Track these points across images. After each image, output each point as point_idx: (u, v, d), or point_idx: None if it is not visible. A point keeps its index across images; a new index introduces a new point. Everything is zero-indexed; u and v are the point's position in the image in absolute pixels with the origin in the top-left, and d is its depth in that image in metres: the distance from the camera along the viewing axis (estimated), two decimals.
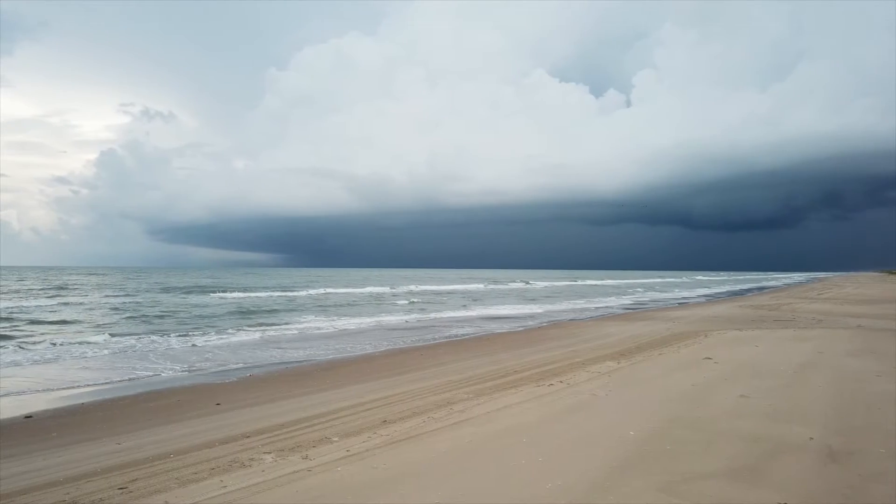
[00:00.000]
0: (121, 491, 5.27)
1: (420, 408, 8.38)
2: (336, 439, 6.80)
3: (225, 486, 5.24)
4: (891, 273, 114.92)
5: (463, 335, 20.46)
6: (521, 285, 76.49)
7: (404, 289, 60.82)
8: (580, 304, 39.55)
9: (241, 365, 14.12)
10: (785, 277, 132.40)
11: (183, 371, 13.38)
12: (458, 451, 6.20)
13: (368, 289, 59.88)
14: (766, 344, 14.57)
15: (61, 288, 50.79)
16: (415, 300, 41.85)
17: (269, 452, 6.34)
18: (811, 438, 6.32)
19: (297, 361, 14.60)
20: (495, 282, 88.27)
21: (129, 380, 12.36)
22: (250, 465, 5.87)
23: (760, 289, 65.54)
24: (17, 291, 43.45)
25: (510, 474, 5.39)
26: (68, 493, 5.27)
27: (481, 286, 71.41)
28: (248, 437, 7.15)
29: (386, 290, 58.25)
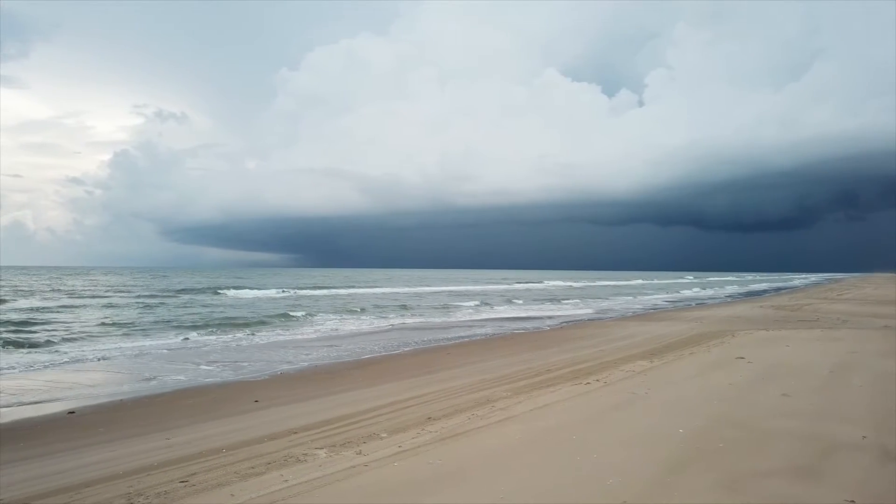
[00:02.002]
0: (183, 484, 5.33)
1: (461, 405, 8.40)
2: (385, 435, 6.84)
3: (286, 481, 5.28)
4: None
5: (484, 335, 20.47)
6: (532, 286, 76.32)
7: (421, 290, 60.93)
8: (601, 304, 39.45)
9: (269, 362, 14.21)
10: (800, 278, 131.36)
11: (214, 369, 13.48)
12: (509, 448, 6.21)
13: (386, 289, 60.01)
14: (796, 344, 14.48)
15: (86, 289, 51.23)
16: (431, 301, 41.90)
17: (321, 448, 6.38)
18: (864, 437, 6.28)
19: (324, 360, 14.67)
20: (508, 281, 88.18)
21: (156, 378, 12.45)
22: (305, 460, 5.91)
23: (777, 289, 65.07)
24: (43, 292, 43.84)
25: (567, 471, 5.40)
26: (132, 486, 5.33)
27: (495, 286, 71.37)
28: (295, 433, 7.20)
29: (403, 290, 58.36)
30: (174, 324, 23.16)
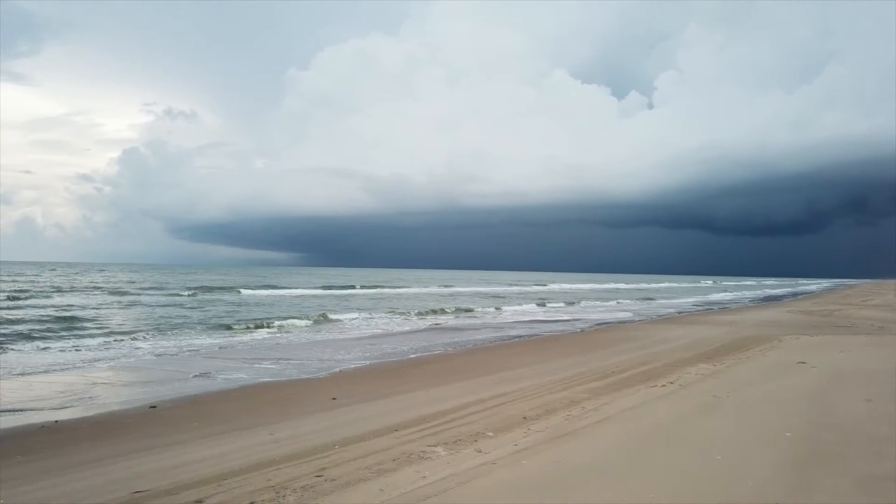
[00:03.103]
0: (319, 478, 5.44)
1: (549, 405, 8.49)
2: (491, 434, 6.94)
3: (424, 477, 5.38)
4: None
5: (526, 336, 20.55)
6: (552, 287, 76.33)
7: (443, 290, 61.12)
8: (625, 306, 39.47)
9: (322, 360, 14.35)
10: (812, 284, 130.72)
11: (273, 367, 13.62)
12: (623, 447, 6.30)
13: (412, 289, 60.20)
14: (849, 350, 14.49)
15: (110, 285, 51.53)
16: (458, 301, 42.03)
17: (435, 445, 6.48)
18: None
19: (377, 358, 14.79)
20: (523, 283, 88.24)
21: (217, 375, 12.60)
22: (429, 458, 6.01)
23: (794, 294, 64.87)
24: (75, 289, 44.15)
25: (702, 472, 5.48)
26: (269, 480, 5.45)
27: (515, 288, 71.48)
28: (396, 430, 7.30)
29: (426, 290, 58.53)
30: (212, 322, 23.33)
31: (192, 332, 20.11)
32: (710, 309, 37.84)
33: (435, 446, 6.45)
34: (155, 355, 15.07)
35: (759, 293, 68.48)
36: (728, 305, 42.59)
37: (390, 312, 29.68)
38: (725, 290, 76.25)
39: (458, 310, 33.51)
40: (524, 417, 7.76)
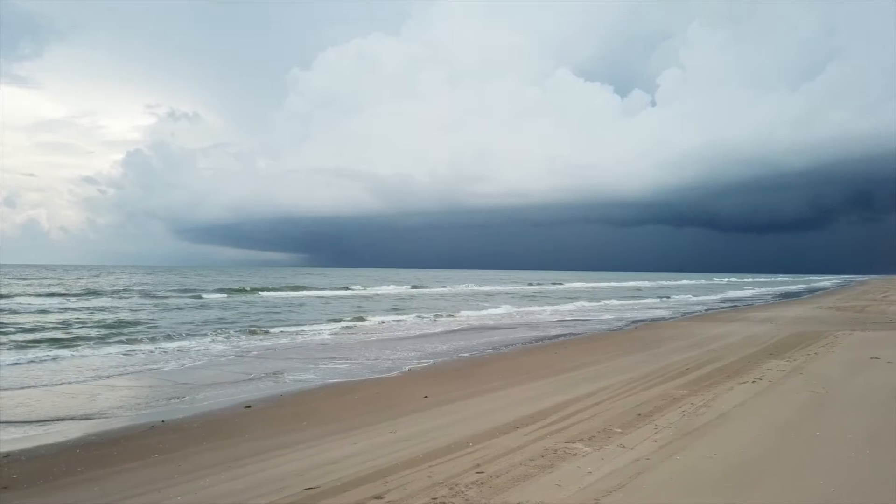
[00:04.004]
0: (482, 474, 5.48)
1: (651, 402, 8.53)
2: (619, 430, 6.98)
3: (590, 473, 5.43)
4: None
5: (564, 335, 20.59)
6: (568, 286, 76.33)
7: (458, 289, 61.19)
8: (654, 304, 39.48)
9: (381, 360, 14.40)
10: (822, 280, 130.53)
11: (338, 367, 13.67)
12: (765, 444, 6.34)
13: (433, 290, 60.26)
14: None
15: (138, 287, 51.60)
16: (482, 300, 42.10)
17: (572, 442, 6.53)
18: None
19: (437, 357, 14.84)
20: (539, 282, 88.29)
21: (284, 374, 12.65)
22: (577, 454, 6.06)
23: (810, 291, 64.76)
24: (115, 290, 44.21)
25: (860, 468, 5.52)
26: (430, 476, 5.50)
27: (531, 287, 71.52)
28: (517, 427, 7.34)
29: (444, 290, 58.61)
30: (243, 324, 23.37)
31: (232, 334, 20.11)
32: (735, 306, 37.81)
33: (573, 442, 6.50)
34: (213, 356, 15.13)
35: (776, 290, 68.38)
36: (752, 302, 42.56)
37: (422, 312, 29.72)
38: (742, 288, 76.12)
39: (481, 307, 33.57)
40: (639, 414, 7.80)
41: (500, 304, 37.37)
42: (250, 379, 12.16)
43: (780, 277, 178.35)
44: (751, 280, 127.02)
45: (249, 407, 9.57)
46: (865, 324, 21.35)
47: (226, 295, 42.07)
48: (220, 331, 20.35)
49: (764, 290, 69.09)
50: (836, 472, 5.36)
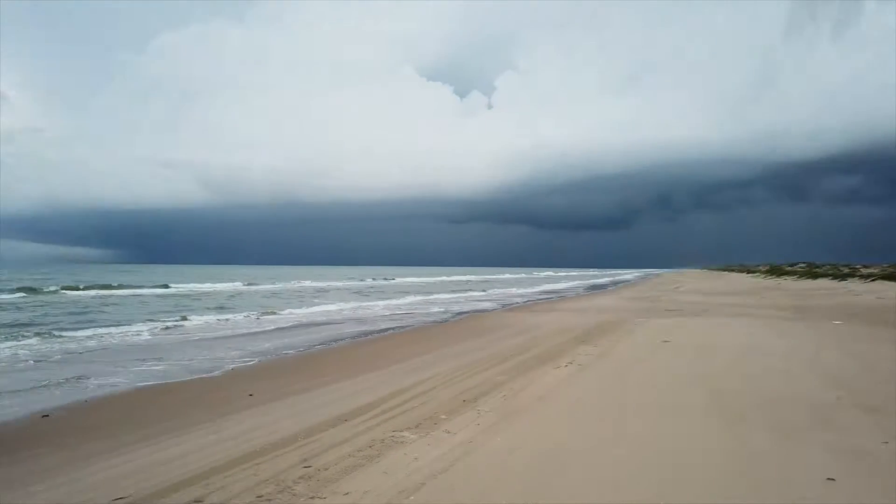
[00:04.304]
0: (309, 469, 5.42)
1: (475, 388, 8.95)
2: (444, 416, 7.24)
3: (416, 458, 5.58)
4: (710, 270, 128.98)
5: (394, 328, 20.91)
6: (395, 282, 77.27)
7: (291, 285, 59.49)
8: (481, 297, 41.15)
9: (199, 360, 13.67)
10: (626, 273, 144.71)
11: (146, 368, 12.76)
12: (579, 421, 6.93)
13: (266, 286, 57.83)
14: (693, 329, 16.61)
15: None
16: (311, 298, 41.31)
17: (400, 430, 6.66)
18: (838, 398, 7.77)
19: (260, 356, 14.37)
20: (363, 279, 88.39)
21: (89, 378, 11.62)
22: (405, 442, 6.19)
23: (615, 283, 71.49)
24: None
25: (667, 438, 6.23)
26: (256, 474, 5.33)
27: (360, 283, 71.44)
28: (346, 420, 7.34)
29: (270, 287, 56.65)
30: (44, 326, 21.00)
31: (36, 338, 17.96)
32: (551, 298, 40.69)
33: (400, 431, 6.64)
34: (28, 362, 13.38)
35: (587, 283, 74.59)
36: (566, 294, 46.05)
37: (250, 310, 28.58)
38: (558, 281, 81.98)
39: (312, 304, 33.04)
40: (463, 400, 8.15)
41: (333, 301, 36.96)
42: (50, 385, 10.92)
43: (592, 271, 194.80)
44: (566, 274, 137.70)
45: (47, 416, 8.63)
46: (660, 312, 24.00)
47: (23, 294, 37.35)
48: (14, 336, 18.04)
49: (577, 283, 75.01)
50: (634, 442, 6.01)
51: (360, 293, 47.79)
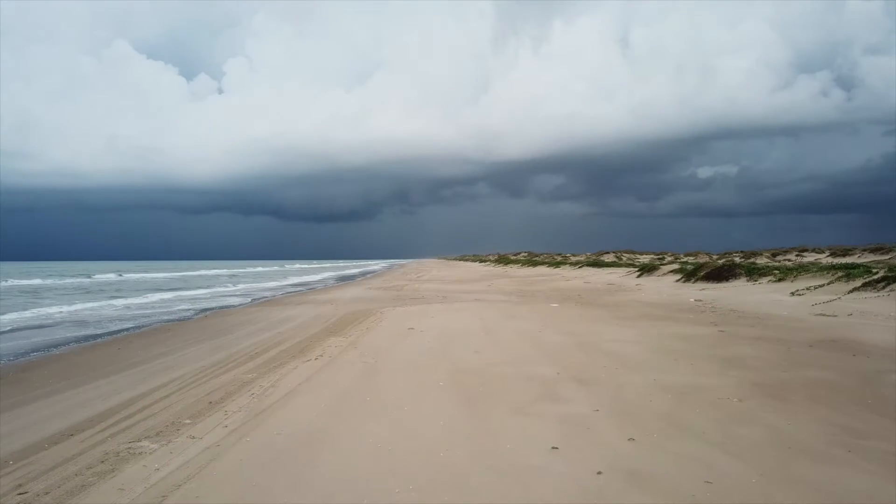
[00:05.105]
0: (26, 495, 4.78)
1: (222, 388, 8.61)
2: (188, 421, 6.86)
3: (157, 469, 5.21)
4: (447, 259, 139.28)
5: (128, 329, 19.10)
6: (122, 278, 69.93)
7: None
8: (225, 291, 39.02)
9: None
10: (372, 264, 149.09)
11: None
12: (329, 414, 7.05)
13: None
14: (434, 316, 17.82)
15: None
16: (13, 297, 35.47)
17: (137, 441, 6.16)
18: (558, 373, 9.00)
19: None
20: (88, 276, 78.52)
21: None
22: (144, 452, 5.75)
23: (363, 274, 73.27)
24: None
25: (402, 420, 6.61)
26: None
27: (81, 280, 63.24)
28: (72, 434, 6.57)
29: None
30: None
31: None
32: (301, 290, 40.34)
33: (138, 441, 6.14)
34: None
35: (336, 274, 75.25)
36: (315, 286, 45.98)
37: None
38: (308, 273, 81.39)
39: (18, 308, 28.54)
40: (210, 402, 7.79)
41: (43, 303, 32.21)
42: None
43: (342, 262, 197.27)
44: (317, 265, 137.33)
45: None
46: (405, 300, 25.25)
47: None
48: None
49: (327, 274, 75.28)
50: (386, 429, 6.32)
51: (89, 291, 42.40)
